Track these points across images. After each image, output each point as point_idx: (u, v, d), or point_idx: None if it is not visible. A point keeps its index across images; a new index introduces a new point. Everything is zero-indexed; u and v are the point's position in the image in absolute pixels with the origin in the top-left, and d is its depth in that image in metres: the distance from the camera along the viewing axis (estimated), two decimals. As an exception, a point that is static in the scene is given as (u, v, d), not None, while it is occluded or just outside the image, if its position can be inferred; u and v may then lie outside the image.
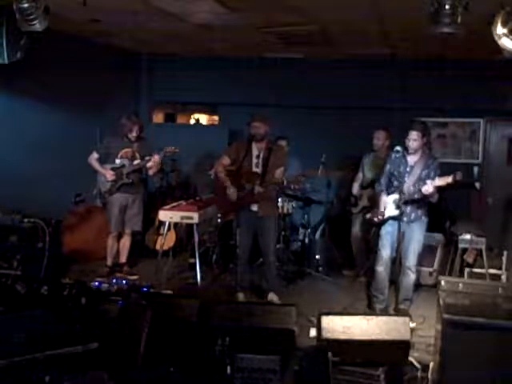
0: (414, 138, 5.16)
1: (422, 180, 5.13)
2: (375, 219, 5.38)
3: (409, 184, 5.15)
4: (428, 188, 4.95)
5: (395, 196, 5.20)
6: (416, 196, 5.10)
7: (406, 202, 5.14)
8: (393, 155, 5.35)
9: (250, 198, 5.50)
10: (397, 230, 5.11)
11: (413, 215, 5.22)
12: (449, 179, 4.89)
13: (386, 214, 5.27)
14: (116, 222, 6.26)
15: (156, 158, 6.17)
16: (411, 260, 5.23)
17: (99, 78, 7.54)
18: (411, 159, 5.23)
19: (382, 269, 5.33)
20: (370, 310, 5.45)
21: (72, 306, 4.24)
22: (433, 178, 5.09)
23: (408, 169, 5.21)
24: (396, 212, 5.15)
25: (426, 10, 3.93)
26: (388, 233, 5.30)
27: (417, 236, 5.25)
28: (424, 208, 5.27)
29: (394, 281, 5.24)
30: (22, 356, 3.36)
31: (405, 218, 5.16)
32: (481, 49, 6.07)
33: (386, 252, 5.30)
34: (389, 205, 5.26)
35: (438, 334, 3.69)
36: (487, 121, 8.23)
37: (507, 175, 7.97)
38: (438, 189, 5.00)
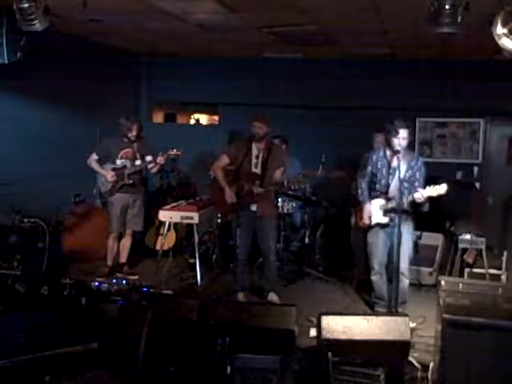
0: (404, 137, 4.94)
1: (406, 181, 5.00)
2: (361, 224, 5.30)
3: (393, 187, 4.99)
4: (420, 196, 4.80)
5: (381, 201, 5.09)
6: (405, 206, 4.91)
7: (394, 210, 4.96)
8: (374, 156, 5.23)
9: (248, 198, 5.50)
10: (387, 237, 5.05)
11: (398, 218, 4.99)
12: (442, 191, 4.72)
13: (374, 220, 5.16)
14: (117, 222, 6.26)
15: (159, 160, 6.18)
16: (403, 264, 5.06)
17: (99, 78, 7.53)
18: (394, 160, 5.01)
19: (376, 278, 5.30)
20: (372, 311, 5.45)
21: (72, 306, 4.24)
22: (419, 180, 4.99)
23: (391, 170, 5.00)
24: (385, 219, 5.06)
25: (426, 10, 3.93)
26: (378, 242, 5.20)
27: (405, 239, 5.02)
28: (409, 210, 5.10)
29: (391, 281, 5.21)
30: (22, 356, 3.36)
31: (391, 223, 5.01)
32: (481, 49, 6.07)
33: (377, 261, 5.25)
34: (375, 210, 5.15)
35: (438, 334, 3.69)
36: (487, 121, 8.23)
37: (507, 175, 7.97)
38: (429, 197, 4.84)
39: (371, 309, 5.52)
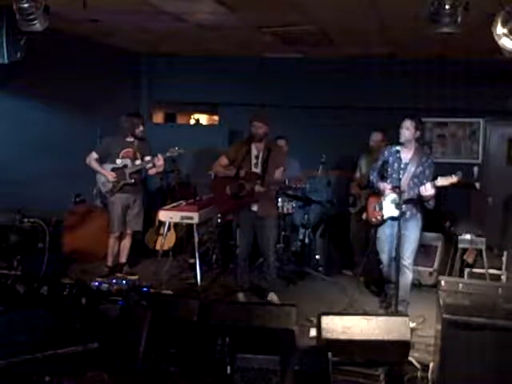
0: (406, 127, 5.03)
1: (416, 177, 5.07)
2: (373, 219, 5.31)
3: (404, 182, 5.02)
4: (426, 188, 4.84)
5: (392, 195, 5.12)
6: (413, 196, 5.00)
7: (405, 202, 5.01)
8: (386, 152, 5.26)
9: (249, 197, 5.49)
10: (396, 231, 5.06)
11: (408, 213, 5.10)
12: (454, 179, 4.78)
13: (386, 215, 5.20)
14: (118, 222, 6.26)
15: (160, 159, 6.17)
16: (407, 258, 5.13)
17: (99, 78, 7.54)
18: (405, 156, 5.08)
19: (386, 269, 5.31)
20: (371, 310, 5.45)
21: (72, 305, 4.24)
22: (427, 177, 5.02)
23: (402, 165, 5.03)
24: (396, 212, 5.04)
25: (426, 10, 3.94)
26: (388, 236, 5.22)
27: (413, 234, 5.14)
28: (418, 205, 5.15)
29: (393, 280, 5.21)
30: (22, 356, 3.36)
31: (403, 216, 5.00)
32: (481, 49, 6.07)
33: (385, 256, 5.27)
34: (387, 204, 5.18)
35: (438, 334, 3.69)
36: (487, 121, 8.23)
37: (507, 175, 7.97)
38: (440, 188, 4.89)
39: (371, 308, 5.52)
